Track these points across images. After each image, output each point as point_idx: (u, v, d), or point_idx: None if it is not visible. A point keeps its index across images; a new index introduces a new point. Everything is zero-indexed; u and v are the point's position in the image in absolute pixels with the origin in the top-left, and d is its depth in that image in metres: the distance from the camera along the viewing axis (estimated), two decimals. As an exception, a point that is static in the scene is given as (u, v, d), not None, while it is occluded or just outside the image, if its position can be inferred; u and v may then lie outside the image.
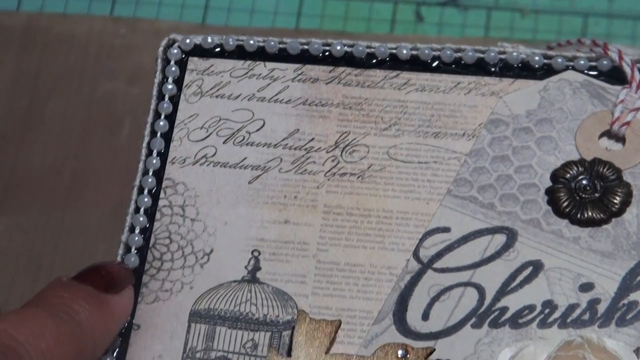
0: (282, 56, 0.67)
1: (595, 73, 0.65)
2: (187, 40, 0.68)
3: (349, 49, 0.67)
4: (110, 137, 0.87)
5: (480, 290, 0.61)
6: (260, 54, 0.68)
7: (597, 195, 0.62)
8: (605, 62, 0.65)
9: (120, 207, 0.69)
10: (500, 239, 0.62)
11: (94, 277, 0.59)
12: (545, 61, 0.65)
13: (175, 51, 0.67)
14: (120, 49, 0.90)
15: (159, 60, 0.67)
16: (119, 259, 0.63)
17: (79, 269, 0.80)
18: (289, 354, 0.60)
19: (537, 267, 0.61)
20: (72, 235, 0.85)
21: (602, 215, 0.62)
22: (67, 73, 0.90)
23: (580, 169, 0.63)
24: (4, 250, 0.84)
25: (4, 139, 0.88)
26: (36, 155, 0.87)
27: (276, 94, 0.66)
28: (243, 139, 0.66)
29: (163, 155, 0.65)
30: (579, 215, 0.62)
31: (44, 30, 0.91)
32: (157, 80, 0.67)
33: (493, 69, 0.66)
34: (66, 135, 0.88)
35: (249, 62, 0.67)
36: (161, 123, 0.66)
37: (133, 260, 0.63)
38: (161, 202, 0.64)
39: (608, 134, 0.64)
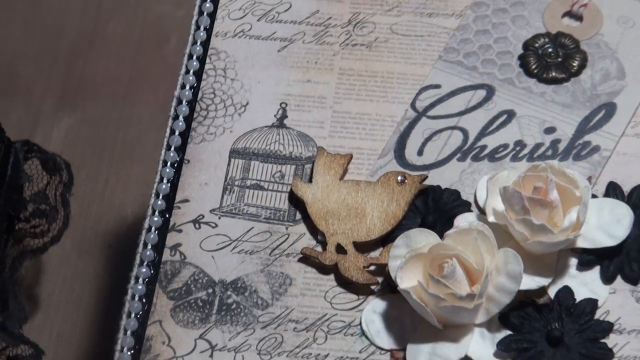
0: (306, -46, 0.69)
1: (559, -33, 0.68)
2: (228, -60, 0.70)
3: (359, -51, 0.69)
4: (159, 50, 0.90)
5: (465, 132, 0.63)
6: (288, -46, 0.69)
7: (559, 59, 0.64)
8: (567, -42, 0.67)
9: (168, 104, 0.71)
10: (481, 93, 0.64)
11: None
12: (519, -42, 0.68)
13: (218, -51, 0.69)
14: (168, -21, 0.93)
15: (206, -43, 0.69)
16: (172, 111, 0.65)
17: (134, 153, 0.83)
18: (310, 180, 0.62)
19: (510, 115, 0.63)
20: (129, 126, 0.87)
21: (563, 75, 0.64)
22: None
23: (546, 39, 0.65)
24: (76, 136, 0.87)
25: (75, 50, 0.91)
26: (100, 64, 0.90)
27: (301, -17, 0.69)
28: (273, 17, 0.68)
29: (208, 30, 0.67)
30: (544, 75, 0.64)
31: (106, -36, 0.94)
32: (204, -29, 0.69)
33: (477, -36, 0.68)
34: (124, 48, 0.91)
35: (278, -41, 0.69)
36: (207, 5, 0.68)
37: (184, 109, 0.65)
38: (207, 66, 0.66)
39: (569, 13, 0.66)
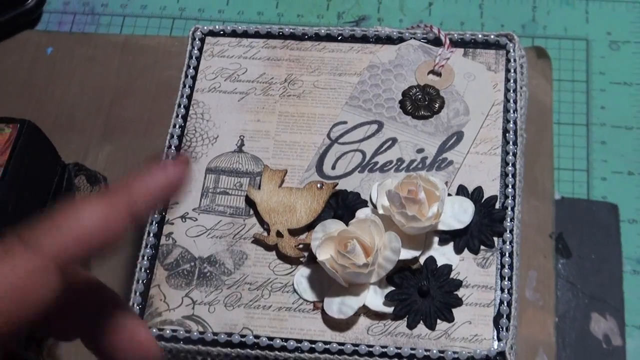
0: (257, 34, 0.67)
1: (426, 41, 0.65)
2: (205, 27, 0.67)
3: (292, 31, 0.66)
4: (168, 101, 0.87)
5: (363, 153, 0.61)
6: (245, 34, 0.67)
7: (426, 102, 0.62)
8: (431, 35, 0.65)
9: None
10: (374, 126, 0.62)
11: None
12: (399, 35, 0.65)
13: (198, 33, 0.67)
14: (174, 53, 0.89)
15: (189, 38, 0.67)
16: (167, 143, 0.62)
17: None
18: (259, 188, 0.60)
19: (394, 141, 0.61)
20: (148, 152, 0.84)
21: (429, 113, 0.62)
22: (146, 66, 0.89)
23: (417, 89, 0.63)
24: (113, 159, 0.83)
25: (112, 101, 0.87)
26: (129, 110, 0.87)
27: (253, 54, 0.66)
28: (235, 78, 0.65)
29: (192, 88, 0.65)
30: (416, 113, 0.62)
31: (133, 44, 0.91)
32: (188, 48, 0.66)
33: (371, 40, 0.66)
34: (145, 99, 0.87)
35: (238, 38, 0.67)
36: (190, 70, 0.66)
37: (175, 141, 0.62)
38: (190, 111, 0.64)
39: (432, 72, 0.64)
